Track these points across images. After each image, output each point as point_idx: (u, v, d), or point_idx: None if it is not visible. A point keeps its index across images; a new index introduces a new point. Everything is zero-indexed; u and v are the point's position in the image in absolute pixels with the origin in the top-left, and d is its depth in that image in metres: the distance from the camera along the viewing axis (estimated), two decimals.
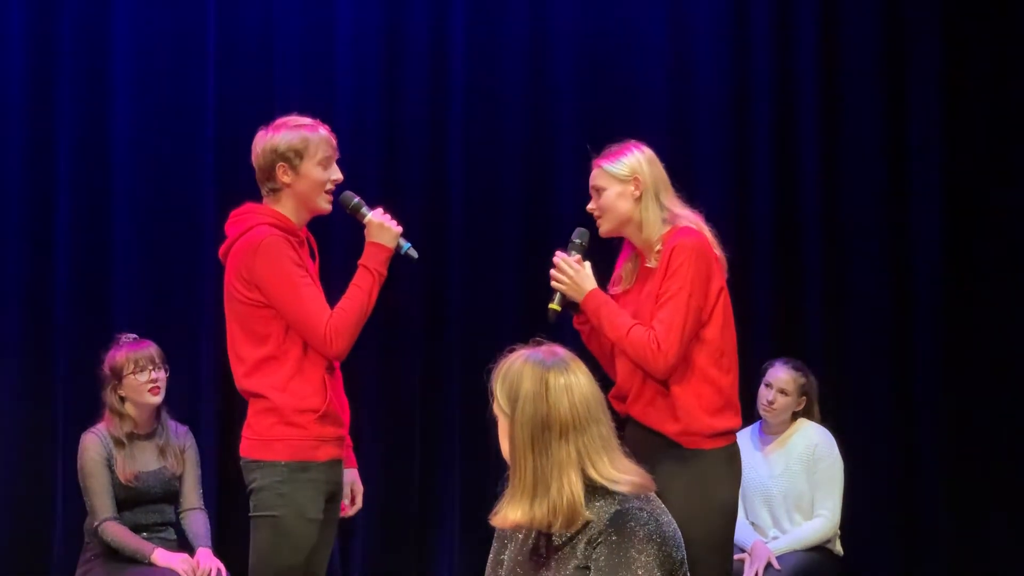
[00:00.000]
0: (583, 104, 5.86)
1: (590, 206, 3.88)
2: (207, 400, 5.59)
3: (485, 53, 5.84)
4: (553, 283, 3.84)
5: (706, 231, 3.81)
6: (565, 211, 5.76)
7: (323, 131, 3.86)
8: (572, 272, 3.81)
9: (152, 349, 4.83)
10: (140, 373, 4.78)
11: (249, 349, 3.79)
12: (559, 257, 3.85)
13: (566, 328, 3.97)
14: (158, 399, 4.83)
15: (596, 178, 3.87)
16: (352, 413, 4.00)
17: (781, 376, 5.04)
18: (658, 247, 3.79)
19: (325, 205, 3.86)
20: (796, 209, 5.91)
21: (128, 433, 4.81)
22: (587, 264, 3.85)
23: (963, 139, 5.93)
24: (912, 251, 5.92)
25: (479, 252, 5.81)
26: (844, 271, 5.93)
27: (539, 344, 2.73)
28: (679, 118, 5.84)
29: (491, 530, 2.89)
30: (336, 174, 3.86)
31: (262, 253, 3.72)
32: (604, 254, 4.00)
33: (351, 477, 4.04)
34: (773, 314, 5.77)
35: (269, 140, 3.83)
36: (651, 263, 3.80)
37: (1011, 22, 5.91)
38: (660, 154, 3.93)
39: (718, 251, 3.82)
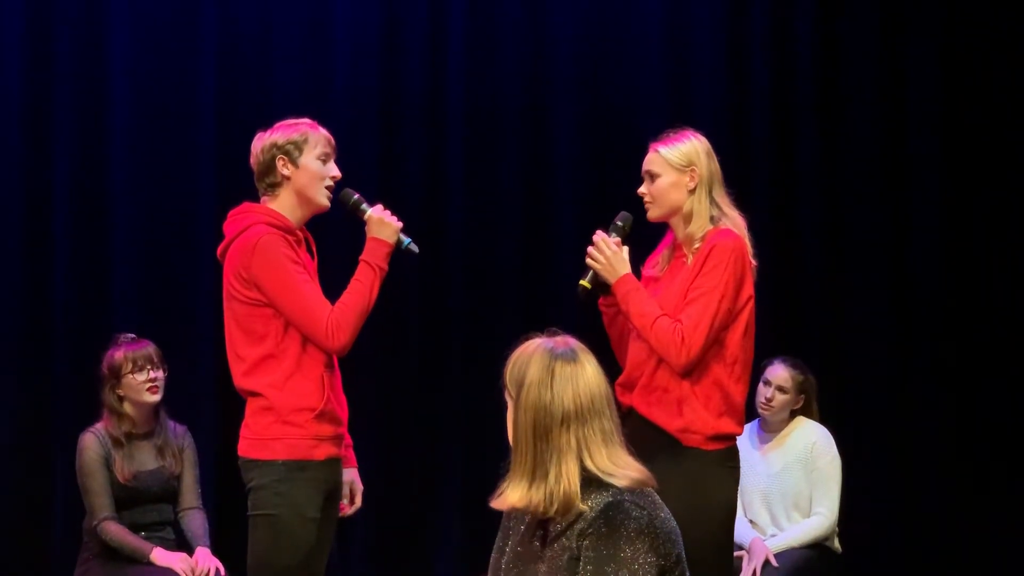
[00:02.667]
0: (582, 101, 5.87)
1: (641, 189, 3.85)
2: (205, 400, 5.59)
3: (483, 51, 5.86)
4: (588, 260, 3.82)
5: (746, 237, 3.80)
6: (564, 208, 5.78)
7: (322, 130, 3.90)
8: (609, 253, 3.80)
9: (150, 348, 4.84)
10: (138, 372, 4.79)
11: (247, 348, 3.79)
12: (599, 236, 3.82)
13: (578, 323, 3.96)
14: (156, 398, 4.83)
15: (651, 163, 3.83)
16: (350, 411, 4.00)
17: (780, 374, 5.04)
18: (698, 244, 3.78)
19: (324, 200, 3.87)
20: (794, 207, 5.92)
21: (126, 432, 4.81)
22: (625, 248, 3.83)
23: (963, 136, 5.94)
24: (911, 248, 5.93)
25: (478, 250, 5.82)
26: (843, 269, 5.94)
27: (554, 334, 2.76)
28: (677, 118, 5.83)
29: (490, 529, 2.91)
30: (334, 171, 3.88)
31: (259, 252, 3.73)
32: (643, 239, 3.98)
33: (350, 476, 4.04)
34: (772, 312, 5.75)
35: (268, 137, 3.87)
36: (688, 258, 3.79)
37: (1011, 27, 5.93)
38: None
39: (753, 260, 3.81)
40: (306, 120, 3.91)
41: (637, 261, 3.91)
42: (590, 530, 2.63)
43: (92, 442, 4.79)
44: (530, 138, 5.88)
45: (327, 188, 3.87)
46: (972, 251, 5.92)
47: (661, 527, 2.64)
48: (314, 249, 3.94)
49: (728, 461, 3.82)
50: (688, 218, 3.80)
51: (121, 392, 4.81)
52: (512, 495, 2.68)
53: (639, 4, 5.93)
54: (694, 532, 3.37)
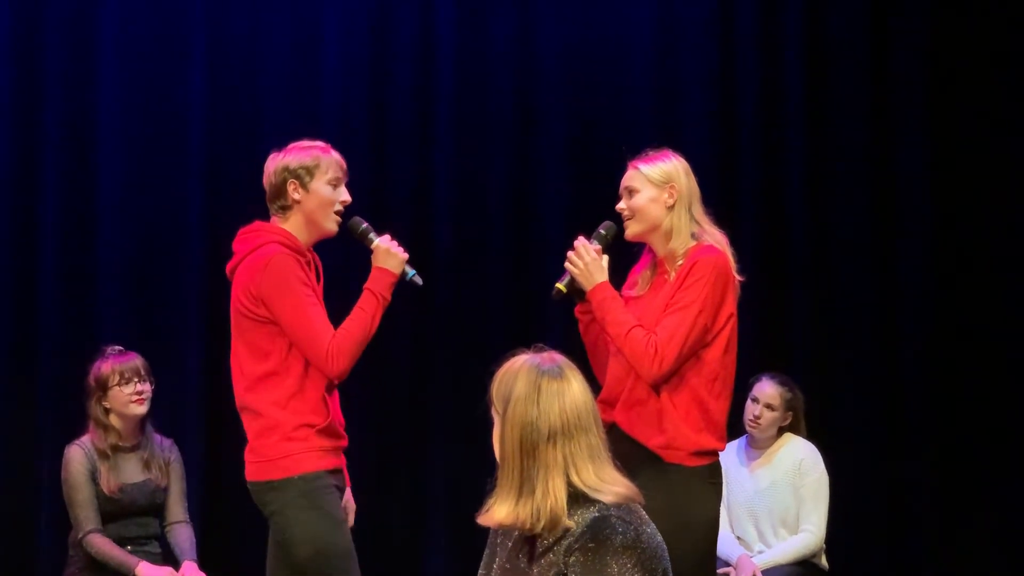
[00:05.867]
0: (570, 115, 5.87)
1: (620, 205, 3.87)
2: (192, 413, 5.59)
3: (472, 59, 5.86)
4: (567, 264, 3.84)
5: (729, 253, 3.80)
6: (553, 221, 5.77)
7: (335, 154, 3.93)
8: (588, 259, 3.81)
9: (138, 361, 4.83)
10: (125, 385, 4.78)
11: (252, 364, 3.82)
12: (580, 242, 3.84)
13: (565, 339, 3.96)
14: (143, 411, 4.82)
15: (631, 179, 3.86)
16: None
17: (767, 391, 5.04)
18: (680, 261, 3.78)
19: (332, 226, 3.91)
20: (782, 221, 5.92)
21: (112, 445, 4.80)
22: (605, 258, 3.85)
23: (951, 148, 5.94)
24: (900, 266, 5.93)
25: (466, 261, 5.81)
26: (831, 285, 5.93)
27: (541, 350, 2.77)
28: (665, 131, 5.84)
29: (479, 545, 2.91)
30: (345, 196, 3.91)
31: (271, 270, 3.76)
32: (622, 259, 3.98)
33: (345, 496, 4.03)
34: (759, 327, 5.77)
35: (281, 159, 3.89)
36: (670, 274, 3.80)
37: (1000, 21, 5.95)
38: None
39: (739, 276, 3.82)
40: (319, 144, 3.93)
41: (618, 280, 3.91)
42: (577, 546, 2.63)
43: (78, 455, 4.78)
44: (519, 149, 5.88)
45: (336, 213, 3.90)
46: (961, 266, 5.92)
47: (648, 542, 2.64)
48: (320, 271, 3.96)
49: (711, 477, 3.82)
50: (668, 235, 3.82)
51: (107, 404, 4.80)
52: (499, 511, 2.69)
53: (628, 18, 5.94)
54: (677, 548, 3.36)
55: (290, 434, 3.76)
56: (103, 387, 4.78)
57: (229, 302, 3.87)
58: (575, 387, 2.69)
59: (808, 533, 4.99)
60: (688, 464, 3.75)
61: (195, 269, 5.64)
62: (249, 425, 3.85)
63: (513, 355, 2.76)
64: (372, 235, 3.94)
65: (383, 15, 5.86)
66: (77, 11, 5.68)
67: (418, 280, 3.94)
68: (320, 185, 3.86)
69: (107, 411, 4.80)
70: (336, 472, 3.86)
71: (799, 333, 5.91)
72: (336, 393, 3.92)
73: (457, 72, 5.85)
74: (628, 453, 3.64)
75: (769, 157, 5.95)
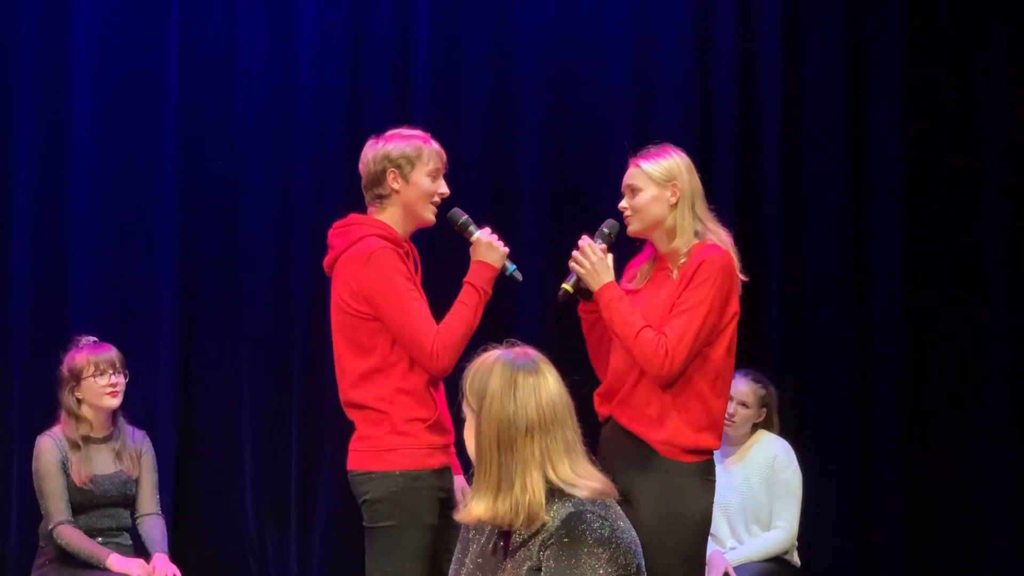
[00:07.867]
0: (547, 106, 5.87)
1: (622, 204, 3.82)
2: (165, 406, 5.57)
3: (449, 55, 5.86)
4: (572, 264, 3.80)
5: (733, 252, 3.78)
6: (527, 215, 5.77)
7: (435, 144, 3.88)
8: (595, 259, 3.77)
9: (113, 353, 4.80)
10: (100, 376, 4.75)
11: (355, 361, 3.77)
12: (585, 241, 3.80)
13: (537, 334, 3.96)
14: (116, 403, 4.79)
15: (633, 177, 3.82)
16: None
17: (741, 388, 5.04)
18: (683, 259, 3.76)
19: (430, 216, 3.87)
20: (757, 217, 5.93)
21: (84, 436, 4.77)
22: (610, 256, 3.81)
23: (925, 150, 5.96)
24: (874, 264, 5.95)
25: (442, 259, 5.79)
26: (804, 282, 5.95)
27: (513, 345, 2.77)
28: (641, 120, 5.84)
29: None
30: (443, 188, 3.88)
31: (373, 265, 3.72)
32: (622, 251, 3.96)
33: (461, 483, 3.97)
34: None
35: (381, 147, 3.84)
36: (672, 272, 3.77)
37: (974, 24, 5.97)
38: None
39: (742, 275, 3.80)
40: (420, 132, 3.88)
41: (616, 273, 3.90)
42: (551, 540, 2.64)
43: (49, 445, 4.75)
44: (494, 141, 5.88)
45: (434, 204, 3.86)
46: (936, 262, 5.94)
47: (622, 538, 2.65)
48: (419, 262, 3.92)
49: (705, 474, 3.81)
50: (671, 233, 3.78)
51: (80, 395, 4.77)
52: (477, 508, 2.68)
53: (606, 10, 5.94)
54: (667, 542, 3.36)
55: (400, 427, 3.72)
56: (77, 377, 4.76)
57: (329, 298, 3.81)
58: (550, 381, 2.70)
59: (780, 530, 4.99)
60: (684, 460, 3.74)
61: (168, 263, 5.62)
62: (356, 418, 3.80)
63: (485, 351, 2.76)
64: (472, 227, 3.90)
65: (360, 8, 5.84)
66: (52, 8, 5.64)
67: (518, 276, 3.89)
68: (420, 176, 3.82)
69: (79, 402, 4.78)
70: (444, 471, 3.81)
71: (773, 329, 5.93)
72: (442, 387, 3.87)
73: (433, 67, 5.84)
74: (623, 446, 3.65)
75: (745, 152, 5.96)
